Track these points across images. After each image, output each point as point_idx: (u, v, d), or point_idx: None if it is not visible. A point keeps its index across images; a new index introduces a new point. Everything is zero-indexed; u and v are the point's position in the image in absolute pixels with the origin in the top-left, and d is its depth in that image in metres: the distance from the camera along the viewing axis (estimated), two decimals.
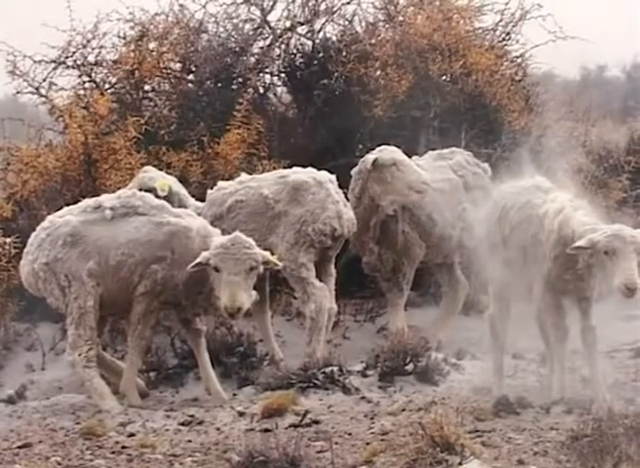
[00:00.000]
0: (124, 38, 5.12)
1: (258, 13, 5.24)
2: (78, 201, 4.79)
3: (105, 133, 5.19)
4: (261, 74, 5.43)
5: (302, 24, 5.29)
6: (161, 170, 5.10)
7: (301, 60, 5.47)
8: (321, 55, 5.38)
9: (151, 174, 5.06)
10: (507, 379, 4.42)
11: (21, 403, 4.62)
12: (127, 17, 4.99)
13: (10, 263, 4.87)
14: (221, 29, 5.28)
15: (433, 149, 5.18)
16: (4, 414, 4.46)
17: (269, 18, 5.27)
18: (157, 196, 4.87)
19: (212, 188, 5.09)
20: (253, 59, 5.36)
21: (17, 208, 5.04)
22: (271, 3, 5.20)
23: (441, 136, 5.13)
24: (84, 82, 5.16)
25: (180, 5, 5.05)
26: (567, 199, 4.32)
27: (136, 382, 4.63)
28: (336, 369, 4.59)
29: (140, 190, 4.89)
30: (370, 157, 5.14)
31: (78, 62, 5.04)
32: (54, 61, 4.90)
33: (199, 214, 4.90)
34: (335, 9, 5.18)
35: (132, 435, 4.19)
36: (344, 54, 5.30)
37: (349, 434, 4.07)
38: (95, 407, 4.48)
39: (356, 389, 4.54)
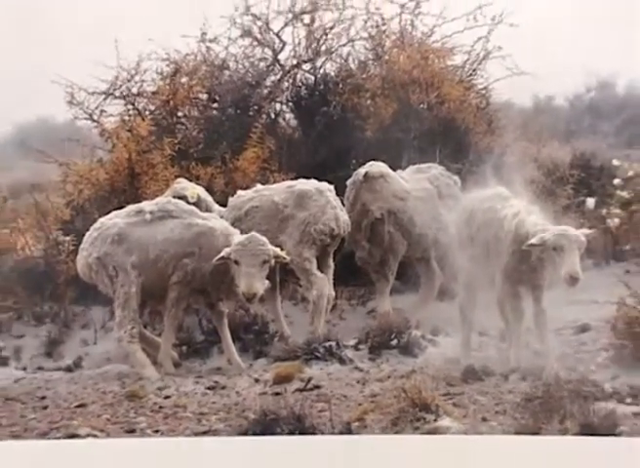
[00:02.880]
0: (161, 74, 5.10)
1: (270, 53, 5.22)
2: (123, 206, 4.76)
3: (146, 151, 5.17)
4: (273, 103, 5.41)
5: (306, 62, 5.26)
6: (191, 181, 5.10)
7: (305, 92, 5.46)
8: (322, 87, 5.36)
9: (183, 184, 5.05)
10: (473, 352, 4.42)
11: (78, 371, 4.63)
12: (163, 56, 4.97)
13: (68, 258, 4.88)
14: (240, 66, 5.26)
15: (414, 164, 5.19)
16: (64, 380, 4.47)
17: (279, 57, 5.25)
18: (188, 202, 4.83)
19: (232, 196, 5.09)
20: (266, 91, 5.33)
21: (74, 212, 5.02)
22: (281, 45, 5.17)
23: (419, 153, 5.12)
24: (128, 109, 5.15)
25: (207, 47, 5.04)
26: (522, 205, 4.32)
27: (170, 354, 4.62)
28: (334, 343, 4.58)
29: (174, 197, 4.87)
30: (361, 171, 5.15)
31: (124, 94, 5.02)
32: (104, 93, 4.88)
33: (222, 217, 4.88)
34: (333, 50, 5.17)
35: (167, 397, 4.20)
36: (341, 86, 5.29)
37: (345, 396, 4.07)
38: (137, 374, 4.47)
39: (350, 360, 4.52)
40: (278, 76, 5.32)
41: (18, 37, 4.13)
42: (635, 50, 4.06)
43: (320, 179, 5.06)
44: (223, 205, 5.08)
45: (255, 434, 3.79)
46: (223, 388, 4.30)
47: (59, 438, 3.89)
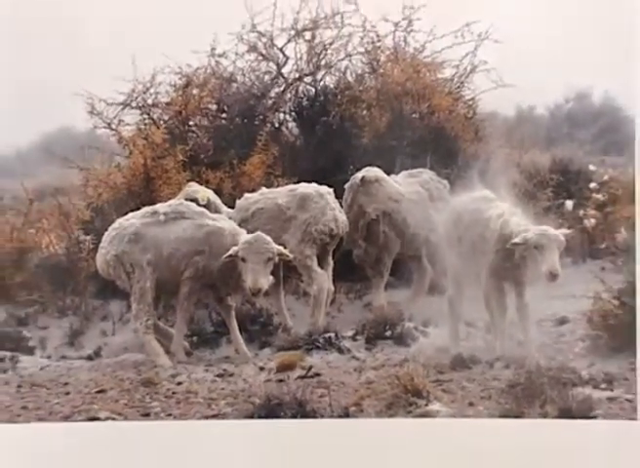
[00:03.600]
0: (174, 86, 5.11)
1: (274, 67, 5.22)
2: (139, 208, 4.77)
3: (160, 157, 5.18)
4: (277, 113, 5.41)
5: (308, 76, 5.26)
6: (201, 184, 5.11)
7: (307, 103, 5.46)
8: (321, 98, 5.36)
9: (194, 187, 5.05)
10: (461, 342, 4.42)
11: (97, 359, 4.63)
12: (176, 70, 4.99)
13: (89, 255, 4.88)
14: (247, 79, 5.27)
15: (406, 169, 5.19)
16: (85, 368, 4.48)
17: (283, 71, 5.25)
18: (198, 204, 4.84)
19: (239, 199, 5.09)
20: (270, 102, 5.34)
21: (94, 213, 5.03)
22: (284, 60, 5.18)
23: (412, 159, 5.12)
24: (144, 119, 5.16)
25: (216, 61, 5.04)
26: (506, 207, 4.33)
27: (182, 344, 4.62)
28: (333, 334, 4.59)
29: (186, 200, 4.87)
30: (358, 175, 5.15)
31: (140, 104, 5.02)
32: (122, 104, 4.88)
33: (230, 218, 4.88)
34: (332, 64, 5.17)
35: (179, 383, 4.21)
36: (339, 97, 5.29)
37: (343, 383, 4.09)
38: (152, 362, 4.48)
39: (348, 350, 4.53)
40: (282, 88, 5.32)
41: (42, 54, 4.16)
42: (609, 64, 4.10)
43: (320, 183, 5.07)
44: (231, 207, 5.08)
45: (260, 417, 3.82)
46: (231, 375, 4.31)
47: (80, 421, 3.91)
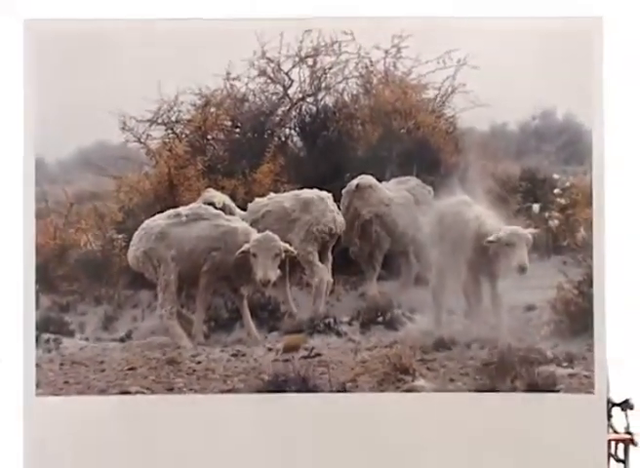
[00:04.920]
0: (194, 105, 5.09)
1: (281, 89, 5.20)
2: (164, 211, 4.78)
3: (182, 166, 5.16)
4: (283, 128, 5.40)
5: (310, 96, 5.25)
6: (218, 190, 5.09)
7: (309, 119, 5.43)
8: (322, 115, 5.34)
9: (212, 193, 5.01)
10: (443, 327, 4.40)
11: (128, 341, 4.57)
12: (196, 91, 4.99)
13: (121, 252, 4.81)
14: (257, 99, 5.26)
15: (395, 177, 5.16)
16: (117, 349, 4.45)
17: (288, 92, 5.24)
18: (215, 207, 4.84)
19: (251, 202, 5.05)
20: (277, 119, 5.31)
21: (125, 215, 5.01)
22: (289, 82, 5.15)
23: (400, 168, 5.11)
24: (168, 134, 5.14)
25: (231, 84, 5.02)
26: (482, 209, 4.35)
27: (201, 329, 4.60)
28: (332, 320, 4.59)
29: (204, 204, 4.87)
30: (354, 182, 5.09)
31: (165, 121, 5.00)
32: (149, 121, 4.87)
33: (243, 219, 4.87)
34: (331, 86, 5.15)
35: (199, 362, 4.23)
36: (337, 115, 5.27)
37: (340, 362, 4.11)
38: (175, 344, 4.48)
39: (345, 333, 4.52)
40: (287, 107, 5.31)
41: (83, 79, 4.20)
42: (571, 88, 4.12)
43: (321, 189, 5.06)
44: (244, 209, 5.04)
45: (268, 392, 3.83)
46: (244, 355, 4.32)
47: (114, 394, 3.92)
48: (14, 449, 3.93)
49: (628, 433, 8.81)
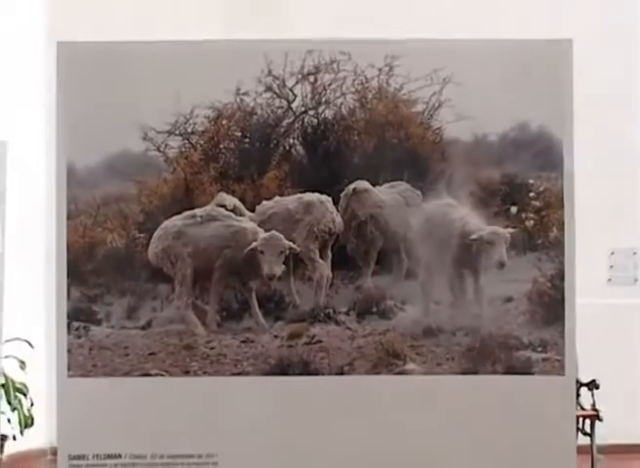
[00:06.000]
0: (208, 118, 5.12)
1: (285, 103, 5.20)
2: (181, 212, 4.78)
3: (197, 173, 5.16)
4: (287, 138, 5.43)
5: (311, 110, 5.26)
6: (229, 194, 5.08)
7: (311, 130, 5.44)
8: (322, 127, 5.34)
9: (223, 196, 4.96)
10: (431, 316, 4.38)
11: (149, 329, 4.50)
12: (210, 105, 5.01)
13: (142, 249, 4.78)
14: (264, 112, 5.27)
15: (388, 182, 5.14)
16: (139, 336, 4.43)
17: (292, 106, 5.26)
18: (227, 209, 4.83)
19: (258, 205, 5.01)
20: (282, 130, 5.33)
21: (146, 216, 5.02)
22: (293, 97, 5.16)
23: (392, 175, 5.12)
24: (185, 143, 5.16)
25: (241, 98, 5.04)
26: (465, 211, 4.37)
27: (215, 318, 4.59)
28: (331, 310, 4.58)
29: (217, 206, 4.85)
30: (351, 187, 5.05)
31: (182, 132, 5.01)
32: (167, 132, 4.88)
33: (251, 220, 4.86)
34: (330, 101, 5.16)
35: (212, 348, 4.24)
36: (336, 127, 5.27)
37: (339, 348, 4.13)
38: (191, 332, 4.46)
39: (343, 322, 4.51)
40: (291, 119, 5.32)
41: (106, 94, 4.24)
42: (544, 102, 4.15)
43: (321, 193, 5.03)
44: (252, 211, 5.00)
45: (274, 375, 3.85)
46: (252, 342, 4.32)
47: (136, 376, 3.95)
48: (51, 423, 3.96)
49: (594, 410, 8.90)
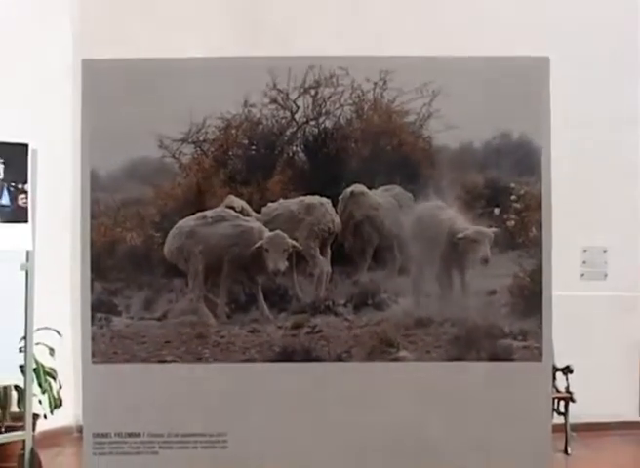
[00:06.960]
0: (218, 127, 5.12)
1: (289, 114, 5.20)
2: (194, 214, 4.76)
3: (208, 177, 5.18)
4: (290, 146, 5.44)
5: (312, 120, 5.25)
6: (237, 197, 5.07)
7: (312, 139, 5.44)
8: (322, 136, 5.33)
9: (232, 198, 4.94)
10: (421, 308, 4.37)
11: (165, 320, 4.48)
12: (220, 116, 5.01)
13: (159, 247, 4.76)
14: (270, 122, 5.26)
15: (383, 186, 5.14)
16: (156, 326, 4.41)
17: (295, 116, 5.26)
18: (235, 211, 4.81)
19: (264, 207, 5.01)
20: (286, 139, 5.32)
21: (161, 217, 5.01)
22: (296, 109, 5.16)
23: (386, 179, 5.11)
24: (197, 151, 5.16)
25: (248, 110, 5.04)
26: (453, 212, 4.37)
27: (224, 310, 4.57)
28: (330, 303, 4.57)
29: (226, 208, 4.83)
30: (349, 190, 5.02)
31: (194, 141, 5.01)
32: (181, 140, 4.89)
33: (257, 221, 4.84)
34: (330, 112, 5.16)
35: (222, 337, 4.24)
36: (335, 135, 5.28)
37: (338, 337, 4.14)
38: (203, 322, 4.45)
39: (341, 314, 4.50)
40: (294, 129, 5.31)
41: (126, 106, 4.24)
42: (524, 112, 4.15)
43: (322, 196, 5.01)
44: (258, 212, 4.95)
45: (279, 361, 3.85)
46: (259, 331, 4.31)
47: (153, 362, 3.96)
48: (77, 404, 3.96)
49: (568, 392, 8.94)
